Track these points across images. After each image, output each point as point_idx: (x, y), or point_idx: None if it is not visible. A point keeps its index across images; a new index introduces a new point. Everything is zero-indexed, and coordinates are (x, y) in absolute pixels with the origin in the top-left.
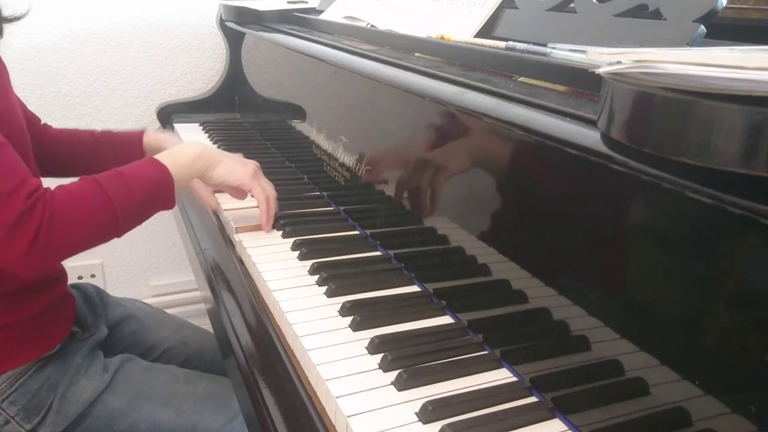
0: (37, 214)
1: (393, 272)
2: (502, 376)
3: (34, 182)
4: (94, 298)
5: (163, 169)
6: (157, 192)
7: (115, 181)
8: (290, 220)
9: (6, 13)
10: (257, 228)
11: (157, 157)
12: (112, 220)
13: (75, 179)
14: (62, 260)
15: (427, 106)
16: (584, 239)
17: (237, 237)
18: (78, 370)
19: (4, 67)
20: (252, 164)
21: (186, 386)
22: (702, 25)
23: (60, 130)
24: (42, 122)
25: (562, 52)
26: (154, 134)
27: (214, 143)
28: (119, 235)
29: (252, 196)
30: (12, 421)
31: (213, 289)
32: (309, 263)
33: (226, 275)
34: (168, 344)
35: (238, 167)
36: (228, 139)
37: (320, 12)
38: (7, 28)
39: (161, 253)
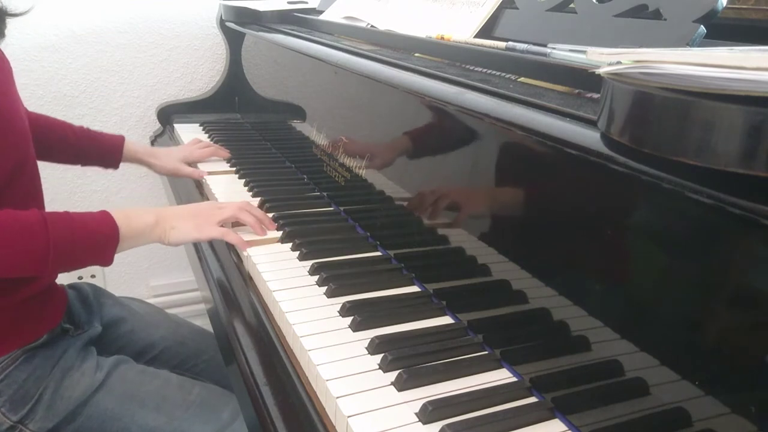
0: None
1: (393, 272)
2: (502, 376)
3: None
4: (89, 297)
5: (113, 228)
6: (98, 247)
7: (62, 223)
8: (290, 221)
9: (11, 11)
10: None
11: (114, 213)
12: (42, 258)
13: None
14: None
15: (427, 107)
16: (584, 239)
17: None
18: (71, 366)
19: (8, 63)
20: (203, 212)
21: (179, 392)
22: (702, 26)
23: (36, 115)
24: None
25: (562, 53)
26: (132, 143)
27: (214, 143)
28: (45, 274)
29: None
30: None
31: (213, 290)
32: (309, 263)
33: (226, 276)
34: (165, 344)
35: (189, 227)
36: (228, 139)
37: (320, 12)
38: (7, 30)
39: (161, 253)
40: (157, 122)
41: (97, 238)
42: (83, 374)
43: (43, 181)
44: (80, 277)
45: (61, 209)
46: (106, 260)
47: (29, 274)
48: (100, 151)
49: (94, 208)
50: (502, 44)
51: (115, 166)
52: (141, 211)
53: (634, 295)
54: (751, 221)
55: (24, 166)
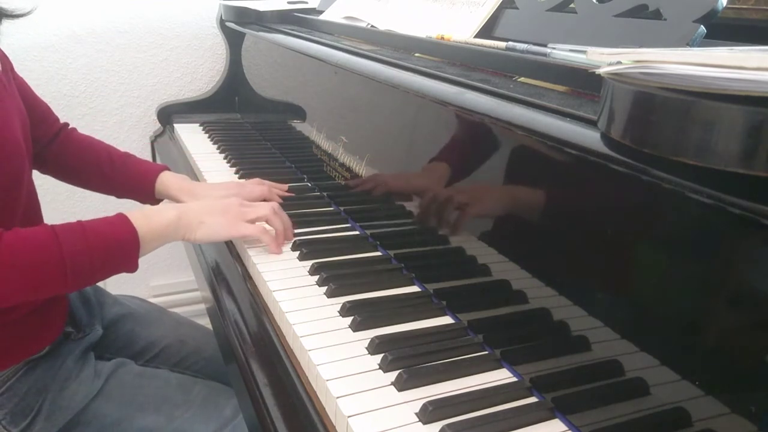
0: None
1: (393, 272)
2: (502, 376)
3: None
4: (90, 298)
5: (130, 231)
6: (117, 254)
7: (74, 235)
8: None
9: (11, 12)
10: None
11: (132, 215)
12: (60, 276)
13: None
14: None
15: (427, 107)
16: (584, 239)
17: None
18: (69, 375)
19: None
20: (233, 209)
21: (179, 393)
22: (702, 25)
23: (82, 139)
24: (62, 123)
25: (562, 53)
26: (168, 177)
27: (214, 143)
28: (68, 291)
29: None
30: None
31: (213, 290)
32: (309, 263)
33: (226, 276)
34: (165, 342)
35: (221, 223)
36: (228, 139)
37: (320, 12)
38: (7, 28)
39: (161, 253)
40: (157, 122)
41: (115, 244)
42: (81, 383)
43: (42, 180)
44: None
45: (60, 209)
46: (130, 266)
47: (50, 293)
48: (129, 181)
49: (94, 208)
50: (502, 44)
51: (152, 200)
52: (161, 209)
53: (634, 295)
54: (751, 221)
55: (20, 177)
